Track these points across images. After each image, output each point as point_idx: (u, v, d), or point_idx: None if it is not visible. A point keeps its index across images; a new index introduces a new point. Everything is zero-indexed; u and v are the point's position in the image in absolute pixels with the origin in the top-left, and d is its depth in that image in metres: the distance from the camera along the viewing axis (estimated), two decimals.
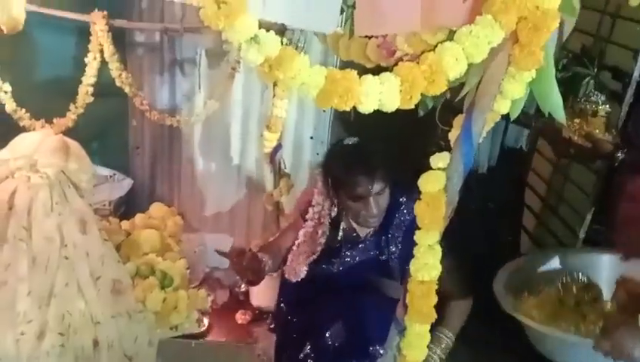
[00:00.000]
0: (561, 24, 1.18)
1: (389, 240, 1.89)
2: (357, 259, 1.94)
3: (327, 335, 1.92)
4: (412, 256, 1.40)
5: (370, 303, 1.91)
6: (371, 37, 1.65)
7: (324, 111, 2.93)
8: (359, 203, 1.77)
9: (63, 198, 1.90)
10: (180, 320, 2.04)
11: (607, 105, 1.92)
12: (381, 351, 1.83)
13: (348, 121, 2.91)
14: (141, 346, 1.91)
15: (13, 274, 1.80)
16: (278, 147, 2.86)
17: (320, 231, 1.92)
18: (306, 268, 1.91)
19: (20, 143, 2.00)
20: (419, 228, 1.25)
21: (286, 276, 1.95)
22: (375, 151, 1.79)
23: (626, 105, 1.99)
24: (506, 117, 1.30)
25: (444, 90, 1.14)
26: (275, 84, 2.83)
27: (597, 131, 1.89)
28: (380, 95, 1.11)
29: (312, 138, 3.06)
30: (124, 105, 2.95)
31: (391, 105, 1.12)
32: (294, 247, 1.95)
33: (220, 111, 2.83)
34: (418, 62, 1.16)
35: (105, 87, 2.56)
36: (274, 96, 2.71)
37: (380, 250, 1.90)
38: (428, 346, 1.76)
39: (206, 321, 2.32)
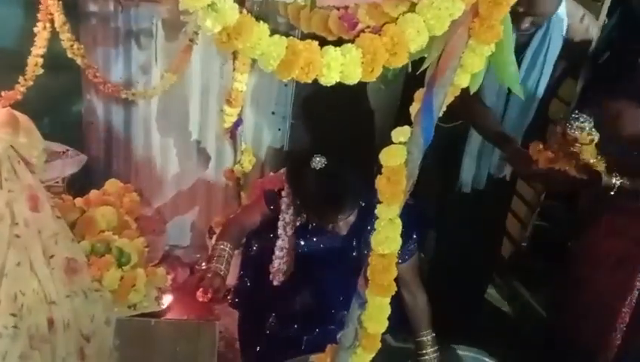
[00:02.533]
0: None
1: (358, 236, 1.90)
2: (322, 245, 1.94)
3: (295, 301, 1.92)
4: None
5: (338, 268, 1.92)
6: (333, 8, 1.64)
7: (285, 85, 2.89)
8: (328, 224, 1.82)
9: (13, 174, 1.83)
10: (138, 298, 2.00)
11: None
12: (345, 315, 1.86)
13: (310, 96, 2.89)
14: (98, 325, 1.87)
15: None
16: (238, 122, 2.83)
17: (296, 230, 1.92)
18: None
19: None
20: (380, 202, 1.26)
21: (274, 280, 1.94)
22: (344, 180, 1.74)
23: None
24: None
25: (406, 62, 1.14)
26: (235, 57, 2.79)
27: (592, 161, 1.72)
28: (341, 67, 1.10)
29: (273, 113, 3.03)
30: (78, 78, 2.85)
31: (353, 77, 1.11)
32: (278, 252, 1.94)
33: (178, 84, 2.75)
34: (380, 34, 1.15)
35: (57, 60, 2.46)
36: (234, 69, 2.67)
37: (347, 244, 1.91)
38: (420, 354, 1.83)
39: (166, 300, 2.29)
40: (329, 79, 1.10)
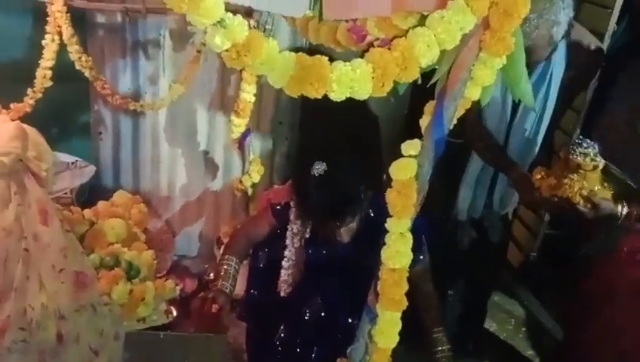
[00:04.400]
0: None
1: (362, 243, 1.86)
2: (330, 255, 1.93)
3: (304, 312, 1.91)
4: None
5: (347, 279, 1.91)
6: (341, 20, 1.63)
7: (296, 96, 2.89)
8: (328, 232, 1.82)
9: (22, 188, 1.82)
10: (147, 312, 2.00)
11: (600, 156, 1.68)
12: (356, 323, 1.85)
13: (316, 106, 2.88)
14: (107, 339, 1.86)
15: None
16: (246, 132, 2.82)
17: (304, 242, 1.92)
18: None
19: None
20: (390, 216, 1.24)
21: (281, 292, 1.93)
22: (344, 186, 1.74)
23: None
24: None
25: (417, 76, 1.13)
26: (242, 68, 2.78)
27: (597, 189, 1.67)
28: (351, 82, 1.09)
29: (281, 123, 3.03)
30: (86, 89, 2.85)
31: (363, 92, 1.11)
32: (285, 263, 1.94)
33: (186, 95, 2.76)
34: (389, 48, 1.15)
35: (65, 71, 2.46)
36: (242, 80, 2.67)
37: (355, 254, 1.88)
38: (435, 352, 1.82)
39: (174, 311, 2.28)
40: (339, 95, 1.10)
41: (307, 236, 1.93)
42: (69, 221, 2.08)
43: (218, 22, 0.97)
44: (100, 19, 2.76)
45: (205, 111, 2.96)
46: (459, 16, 1.07)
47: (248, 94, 2.67)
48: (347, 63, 1.10)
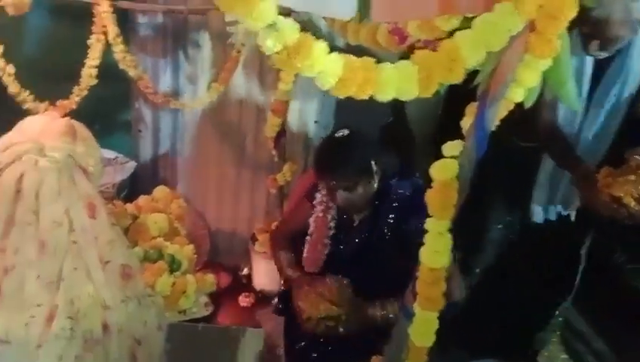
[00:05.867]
0: None
1: (380, 222, 1.94)
2: (352, 242, 1.98)
3: None
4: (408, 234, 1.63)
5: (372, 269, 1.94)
6: (382, 22, 1.65)
7: (328, 95, 2.91)
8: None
9: (71, 182, 1.89)
10: (188, 304, 2.05)
11: None
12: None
13: (352, 105, 2.90)
14: (150, 330, 1.91)
15: (21, 258, 1.79)
16: (282, 131, 2.86)
17: (329, 216, 1.95)
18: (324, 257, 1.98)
19: (27, 126, 1.98)
20: (429, 216, 1.25)
21: (306, 268, 1.98)
22: (355, 148, 1.83)
23: None
24: None
25: (462, 78, 1.14)
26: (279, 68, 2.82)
27: None
28: (398, 83, 1.11)
29: (316, 122, 3.06)
30: (127, 87, 2.93)
31: (409, 93, 1.13)
32: (309, 237, 2.00)
33: (224, 94, 2.81)
34: (433, 50, 1.16)
35: (108, 69, 2.53)
36: (279, 79, 2.70)
37: (371, 233, 1.95)
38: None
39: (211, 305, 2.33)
40: (385, 96, 1.11)
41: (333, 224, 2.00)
42: (113, 215, 2.14)
43: (270, 25, 0.99)
44: (142, 19, 2.84)
45: (242, 110, 3.00)
46: (506, 18, 1.08)
47: (285, 93, 2.71)
48: (393, 65, 1.12)
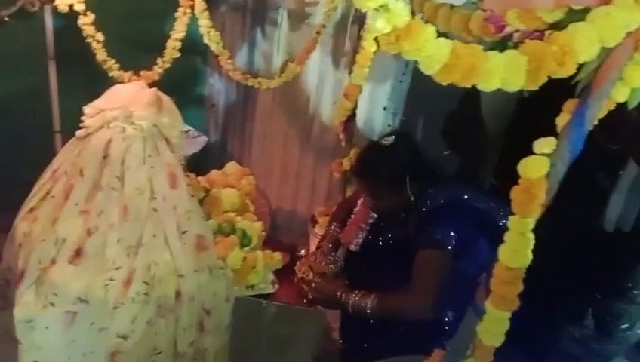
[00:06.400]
0: None
1: (384, 226, 1.99)
2: (378, 238, 2.02)
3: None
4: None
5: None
6: (478, 9, 1.60)
7: (400, 81, 2.88)
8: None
9: (155, 151, 1.94)
10: (257, 279, 2.08)
11: None
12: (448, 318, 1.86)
13: (423, 93, 2.86)
14: (219, 301, 1.95)
15: (104, 221, 1.85)
16: (352, 115, 2.84)
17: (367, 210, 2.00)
18: (359, 240, 2.04)
19: (116, 94, 2.04)
20: (512, 214, 1.22)
21: (342, 240, 2.02)
22: (386, 156, 1.89)
23: None
24: None
25: (573, 73, 1.10)
26: (356, 51, 2.80)
27: None
28: (504, 73, 1.08)
29: (385, 109, 3.02)
30: (204, 61, 2.97)
31: (514, 84, 1.09)
32: (353, 215, 2.03)
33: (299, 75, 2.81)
34: (542, 40, 1.13)
35: (186, 42, 2.58)
36: (355, 62, 2.68)
37: (377, 236, 2.01)
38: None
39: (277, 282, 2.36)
40: (490, 85, 1.09)
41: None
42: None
43: (382, 5, 0.98)
44: None
45: (314, 92, 3.00)
46: (625, 12, 1.04)
47: (360, 78, 2.68)
48: (501, 54, 1.09)
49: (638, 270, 2.06)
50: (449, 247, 1.77)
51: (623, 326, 2.11)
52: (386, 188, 1.89)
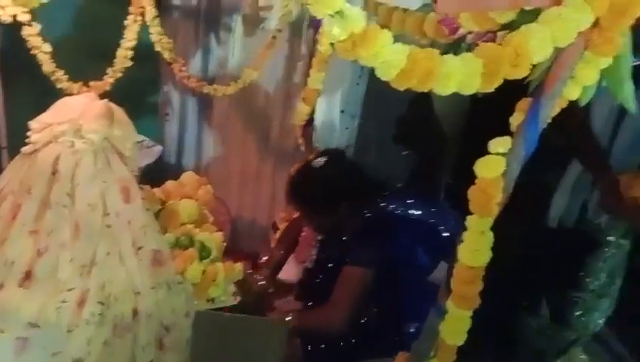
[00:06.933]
0: None
1: (330, 243, 2.05)
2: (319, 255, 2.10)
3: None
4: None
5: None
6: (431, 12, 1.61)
7: (357, 84, 2.87)
8: None
9: (107, 166, 1.87)
10: (217, 292, 2.04)
11: None
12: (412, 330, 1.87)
13: (379, 95, 2.87)
14: (178, 317, 1.89)
15: (55, 240, 1.78)
16: (310, 120, 2.83)
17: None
18: (313, 256, 2.12)
19: (64, 107, 1.95)
20: (470, 213, 1.23)
21: (297, 261, 2.07)
22: (316, 180, 1.92)
23: None
24: None
25: (527, 74, 1.11)
26: (312, 55, 2.79)
27: None
28: (461, 77, 1.07)
29: (342, 112, 3.02)
30: (156, 69, 2.90)
31: (470, 88, 1.09)
32: (303, 233, 2.07)
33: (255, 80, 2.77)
34: (495, 41, 1.13)
35: (138, 51, 2.51)
36: (311, 67, 2.66)
37: (325, 252, 2.07)
38: None
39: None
40: (446, 89, 1.08)
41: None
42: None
43: (337, 12, 0.96)
44: (176, 1, 2.80)
45: (270, 97, 2.97)
46: (577, 13, 1.05)
47: (317, 82, 2.66)
48: (458, 57, 1.08)
49: (590, 260, 2.11)
50: (372, 266, 1.85)
51: (577, 313, 2.15)
52: (320, 210, 1.92)
